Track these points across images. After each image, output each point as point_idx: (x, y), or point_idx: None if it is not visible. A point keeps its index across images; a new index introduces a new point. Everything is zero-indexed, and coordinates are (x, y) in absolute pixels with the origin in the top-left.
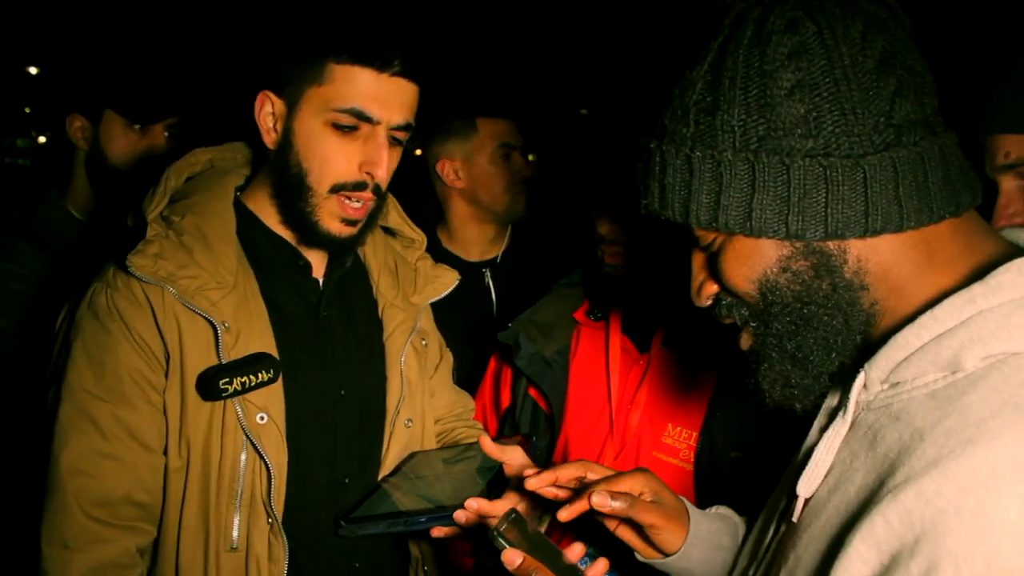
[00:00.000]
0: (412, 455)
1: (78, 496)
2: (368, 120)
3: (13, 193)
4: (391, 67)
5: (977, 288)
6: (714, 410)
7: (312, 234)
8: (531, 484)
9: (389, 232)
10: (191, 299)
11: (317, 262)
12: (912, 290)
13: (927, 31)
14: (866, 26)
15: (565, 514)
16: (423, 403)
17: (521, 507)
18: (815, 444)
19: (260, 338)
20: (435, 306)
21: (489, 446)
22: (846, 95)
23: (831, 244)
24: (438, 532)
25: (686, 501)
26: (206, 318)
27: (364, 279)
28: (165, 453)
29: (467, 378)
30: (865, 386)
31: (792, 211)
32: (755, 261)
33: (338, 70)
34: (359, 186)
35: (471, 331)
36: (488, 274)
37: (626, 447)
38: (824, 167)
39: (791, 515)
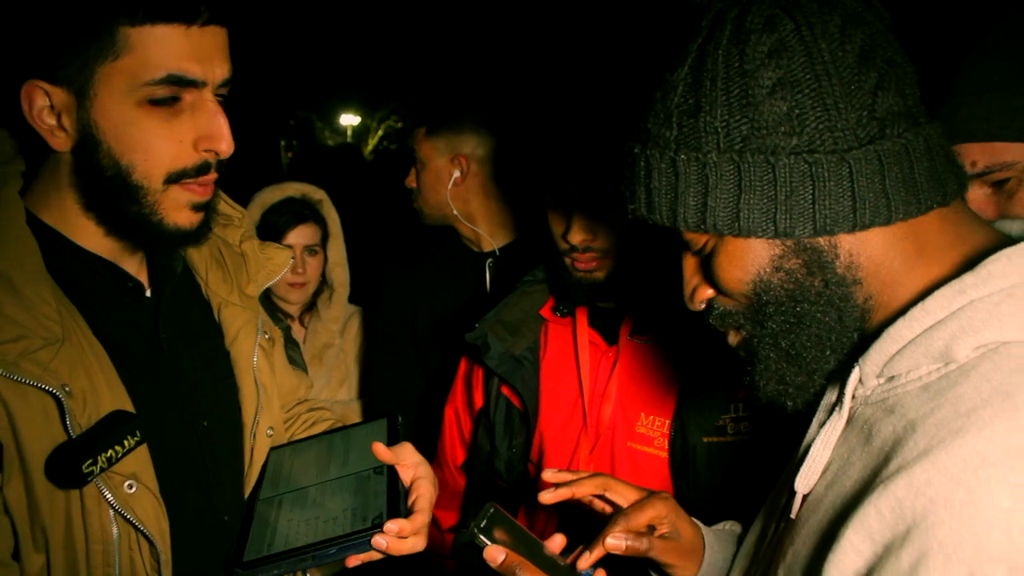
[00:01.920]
0: (269, 454)
1: None
2: (192, 84)
3: None
4: (199, 16)
5: (968, 278)
6: (684, 397)
7: (156, 236)
8: (547, 499)
9: None
10: (15, 369)
11: (140, 274)
12: (904, 282)
13: (908, 26)
14: (844, 21)
15: (548, 497)
16: (279, 405)
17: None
18: (813, 440)
19: (110, 393)
20: (434, 292)
21: (382, 451)
22: (828, 91)
23: (821, 240)
24: (354, 561)
25: (701, 526)
26: (41, 388)
27: (190, 278)
28: (16, 558)
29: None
30: (861, 381)
31: (780, 209)
32: (748, 262)
33: (135, 34)
34: (202, 169)
35: (463, 320)
36: (489, 266)
37: (601, 439)
38: (809, 164)
39: (790, 512)
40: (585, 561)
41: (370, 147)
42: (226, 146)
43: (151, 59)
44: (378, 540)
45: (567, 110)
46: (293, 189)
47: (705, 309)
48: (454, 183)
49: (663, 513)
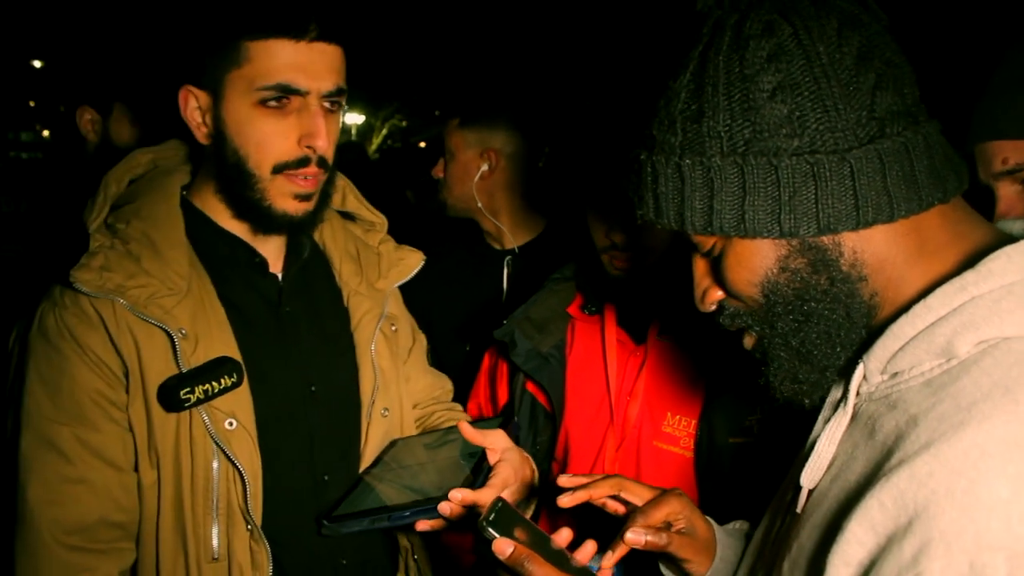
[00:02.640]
0: (393, 443)
1: (52, 528)
2: (296, 92)
3: (19, 188)
4: (308, 33)
5: (969, 275)
6: (711, 397)
7: (268, 219)
8: (565, 503)
9: (348, 217)
10: (144, 309)
11: (274, 257)
12: (908, 279)
13: (904, 29)
14: (841, 23)
15: (566, 500)
16: (398, 390)
17: (507, 493)
18: (819, 436)
19: (220, 342)
20: (449, 290)
21: (469, 431)
22: (827, 92)
23: (825, 239)
24: (423, 525)
25: (713, 523)
26: (161, 327)
27: (325, 268)
28: (136, 470)
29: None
30: (865, 377)
31: (784, 209)
32: (756, 264)
33: (254, 48)
34: (302, 162)
35: (483, 319)
36: (508, 263)
37: (627, 438)
38: (811, 164)
39: (795, 506)
40: (608, 561)
41: (374, 146)
42: (322, 144)
43: (265, 68)
44: (443, 506)
45: (615, 109)
46: None
47: (716, 310)
48: (481, 176)
49: (679, 509)
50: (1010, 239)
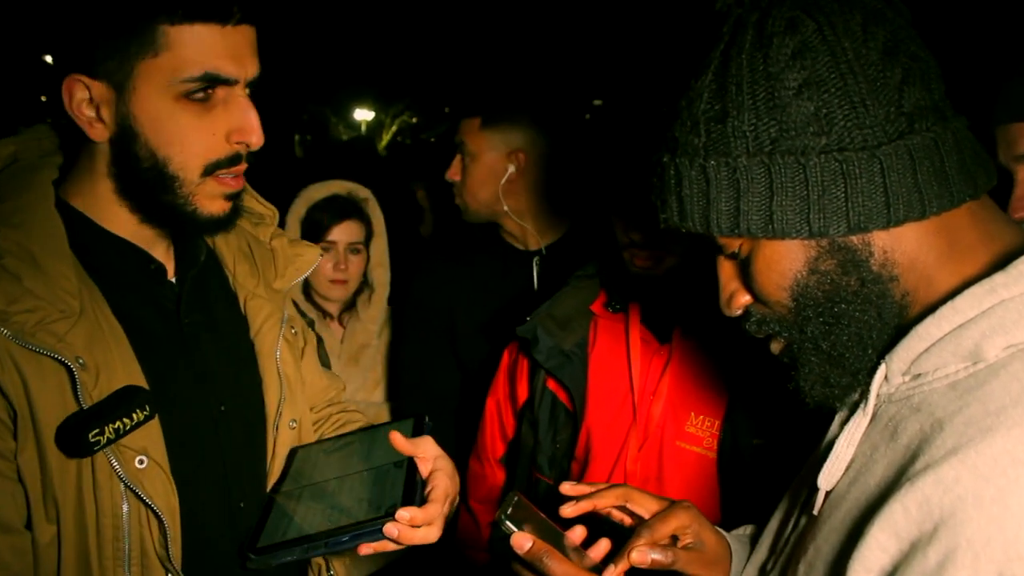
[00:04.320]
0: (293, 452)
1: None
2: (225, 82)
3: None
4: (233, 16)
5: (999, 278)
6: (736, 398)
7: (191, 224)
8: (568, 513)
9: None
10: (31, 339)
11: (166, 261)
12: (938, 279)
13: (927, 20)
14: (865, 19)
15: (570, 510)
16: (304, 399)
17: (446, 507)
18: (836, 437)
19: (124, 369)
20: (477, 290)
21: (400, 442)
22: (854, 88)
23: (855, 239)
24: (366, 549)
25: (725, 534)
26: (55, 358)
27: (218, 270)
28: (29, 527)
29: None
30: (886, 378)
31: (813, 209)
32: (785, 266)
33: (174, 33)
34: (234, 160)
35: (509, 319)
36: (536, 264)
37: (650, 437)
38: (840, 162)
39: (812, 508)
40: (610, 574)
41: (384, 142)
42: (256, 139)
43: (189, 57)
44: (390, 528)
45: (635, 107)
46: (339, 186)
47: (742, 316)
48: (508, 179)
49: (686, 523)
50: None
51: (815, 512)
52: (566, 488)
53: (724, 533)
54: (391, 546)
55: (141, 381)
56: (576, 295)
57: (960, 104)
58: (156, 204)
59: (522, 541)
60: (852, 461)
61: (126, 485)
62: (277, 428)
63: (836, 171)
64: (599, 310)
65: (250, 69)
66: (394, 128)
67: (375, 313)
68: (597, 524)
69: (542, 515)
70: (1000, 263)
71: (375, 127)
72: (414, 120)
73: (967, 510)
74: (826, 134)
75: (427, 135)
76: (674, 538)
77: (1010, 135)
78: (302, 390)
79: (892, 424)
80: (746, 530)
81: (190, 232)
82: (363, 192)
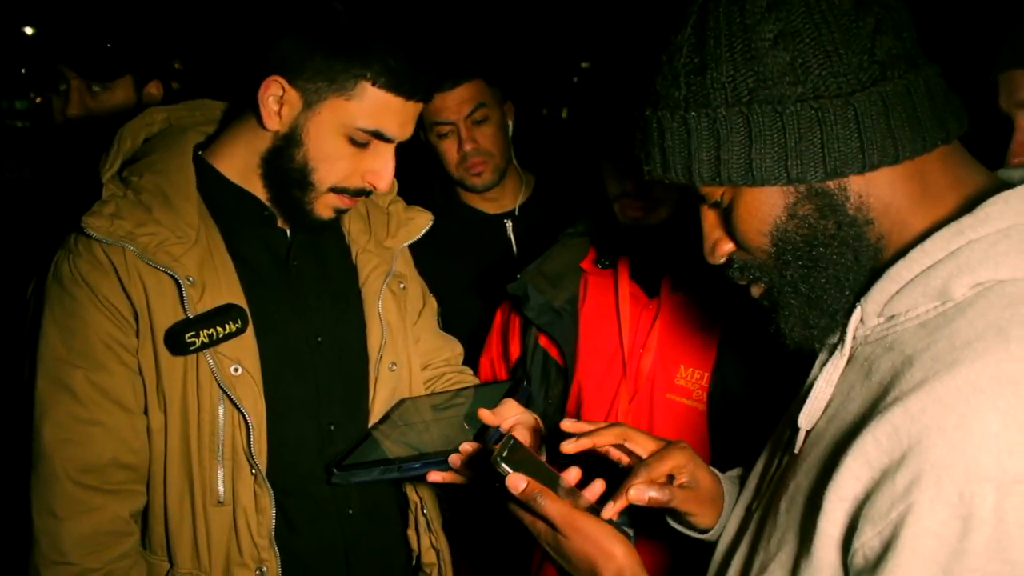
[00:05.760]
0: (401, 402)
1: (65, 465)
2: (385, 139)
3: (19, 154)
4: (417, 95)
5: (966, 220)
6: (724, 350)
7: (301, 219)
8: (568, 449)
9: None
10: (152, 256)
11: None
12: (911, 222)
13: None
14: None
15: (571, 447)
16: (406, 347)
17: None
18: (816, 378)
19: (227, 290)
20: (455, 259)
21: (485, 416)
22: (828, 38)
23: (831, 184)
24: (435, 477)
25: (719, 474)
26: (169, 274)
27: (335, 226)
28: (145, 413)
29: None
30: (862, 320)
31: (791, 156)
32: (765, 212)
33: (371, 91)
34: (359, 192)
35: (492, 282)
36: (509, 225)
37: (640, 391)
38: (816, 109)
39: (793, 447)
40: (609, 511)
41: None
42: (383, 186)
43: (369, 112)
44: (453, 458)
45: (628, 57)
46: None
47: (725, 263)
48: (511, 132)
49: (682, 463)
50: (1007, 185)
51: (796, 451)
52: (567, 425)
53: (718, 473)
54: (457, 478)
55: (241, 302)
56: (566, 252)
57: (947, 55)
58: (285, 191)
59: (517, 482)
60: (831, 401)
61: (222, 388)
62: (378, 369)
63: (812, 119)
64: (589, 267)
65: (407, 133)
66: None
67: None
68: (592, 466)
69: (538, 457)
70: (969, 206)
71: None
72: None
73: (931, 437)
74: (802, 83)
75: None
76: (670, 477)
77: (1013, 82)
78: (404, 338)
79: (867, 363)
80: (738, 472)
81: (298, 226)
82: None
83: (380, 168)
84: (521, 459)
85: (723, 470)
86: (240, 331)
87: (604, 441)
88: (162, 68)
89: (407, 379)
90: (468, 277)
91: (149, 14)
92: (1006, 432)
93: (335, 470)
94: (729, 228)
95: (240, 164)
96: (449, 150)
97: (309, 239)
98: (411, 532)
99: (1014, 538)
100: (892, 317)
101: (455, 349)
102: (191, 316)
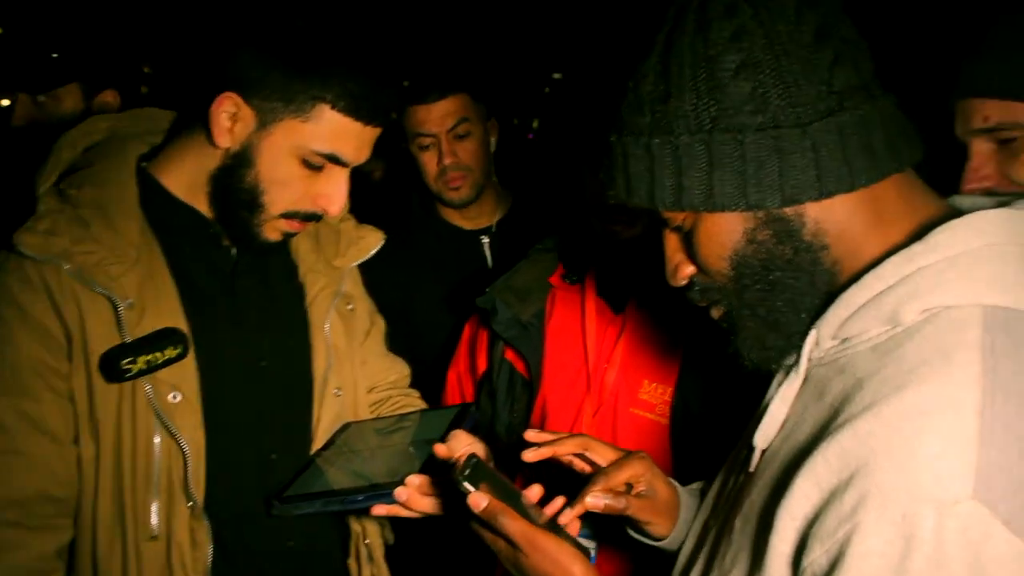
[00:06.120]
0: (346, 426)
1: None
2: (339, 163)
3: None
4: (375, 121)
5: (916, 247)
6: (687, 366)
7: (246, 239)
8: (529, 457)
9: None
10: (89, 276)
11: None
12: (865, 247)
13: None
14: (799, 3)
15: (531, 455)
16: (352, 371)
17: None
18: (772, 398)
19: (168, 313)
20: (431, 273)
21: (440, 450)
22: (787, 69)
23: (789, 211)
24: (379, 510)
25: (677, 485)
26: (106, 295)
27: (281, 244)
28: (76, 442)
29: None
30: (817, 343)
31: (750, 183)
32: (724, 237)
33: (328, 114)
34: (310, 217)
35: (466, 297)
36: (485, 242)
37: (603, 405)
38: (774, 138)
39: (749, 466)
40: (566, 517)
41: None
42: (335, 210)
43: (326, 136)
44: (399, 492)
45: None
46: None
47: (686, 285)
48: (493, 148)
49: (640, 472)
50: (958, 212)
51: (751, 469)
52: (529, 435)
53: (676, 484)
54: (403, 511)
55: (182, 325)
56: (534, 268)
57: (903, 83)
58: (232, 212)
59: (479, 500)
60: (786, 421)
61: (158, 416)
62: (323, 394)
63: (771, 147)
64: (557, 282)
65: (363, 158)
66: None
67: None
68: (556, 479)
69: (500, 476)
70: (921, 232)
71: None
72: (393, 116)
73: (877, 459)
74: (762, 112)
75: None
76: (629, 486)
77: (969, 110)
78: (351, 362)
79: (820, 385)
80: (699, 485)
81: (245, 248)
82: None
83: (333, 192)
84: (483, 477)
85: (685, 483)
86: (180, 357)
87: (565, 450)
88: (118, 75)
89: (352, 404)
90: (443, 291)
91: (97, 21)
92: (945, 454)
93: (276, 502)
94: (690, 252)
95: (187, 180)
96: (429, 162)
97: (255, 257)
98: (352, 562)
99: (952, 558)
100: (845, 340)
101: (402, 371)
102: (128, 340)
